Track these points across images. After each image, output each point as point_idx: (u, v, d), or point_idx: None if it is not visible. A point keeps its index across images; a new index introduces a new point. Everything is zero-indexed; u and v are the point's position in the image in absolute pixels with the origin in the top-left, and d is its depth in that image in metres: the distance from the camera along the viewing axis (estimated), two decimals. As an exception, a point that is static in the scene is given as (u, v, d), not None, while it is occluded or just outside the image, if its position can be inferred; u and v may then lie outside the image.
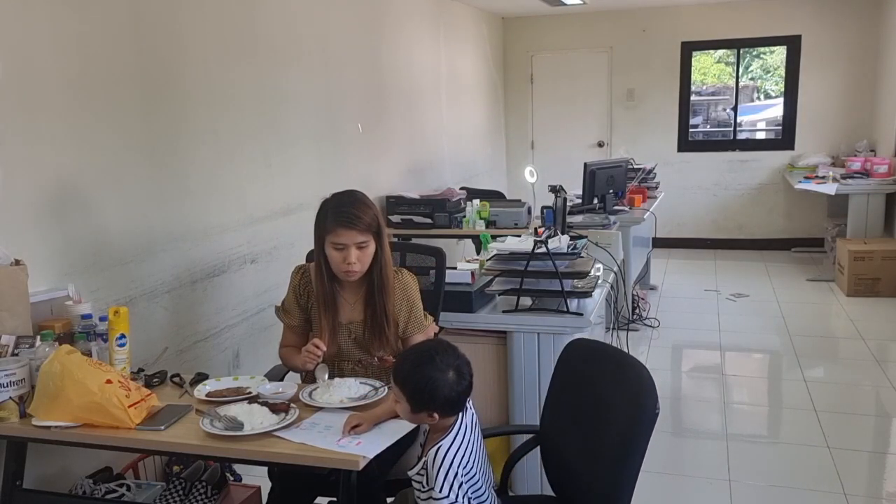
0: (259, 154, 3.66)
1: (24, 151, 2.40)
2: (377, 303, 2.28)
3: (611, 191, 5.10)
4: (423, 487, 1.76)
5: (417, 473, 1.79)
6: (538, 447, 2.15)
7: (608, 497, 1.77)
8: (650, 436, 1.75)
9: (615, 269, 3.54)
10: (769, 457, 3.40)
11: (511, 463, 2.17)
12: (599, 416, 1.89)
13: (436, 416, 1.75)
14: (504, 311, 2.95)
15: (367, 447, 1.77)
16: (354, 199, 2.25)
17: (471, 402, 1.86)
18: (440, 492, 1.72)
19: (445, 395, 1.73)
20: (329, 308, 2.30)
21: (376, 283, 2.27)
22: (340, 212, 2.19)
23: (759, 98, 8.47)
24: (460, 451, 1.76)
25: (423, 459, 1.76)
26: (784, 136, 7.67)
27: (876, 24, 7.10)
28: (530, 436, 2.19)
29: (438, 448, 1.74)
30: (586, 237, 3.28)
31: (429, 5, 6.06)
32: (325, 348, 2.21)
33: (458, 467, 1.75)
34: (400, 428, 1.86)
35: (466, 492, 1.77)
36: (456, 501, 1.73)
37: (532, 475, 2.85)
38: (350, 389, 2.09)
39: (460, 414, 1.80)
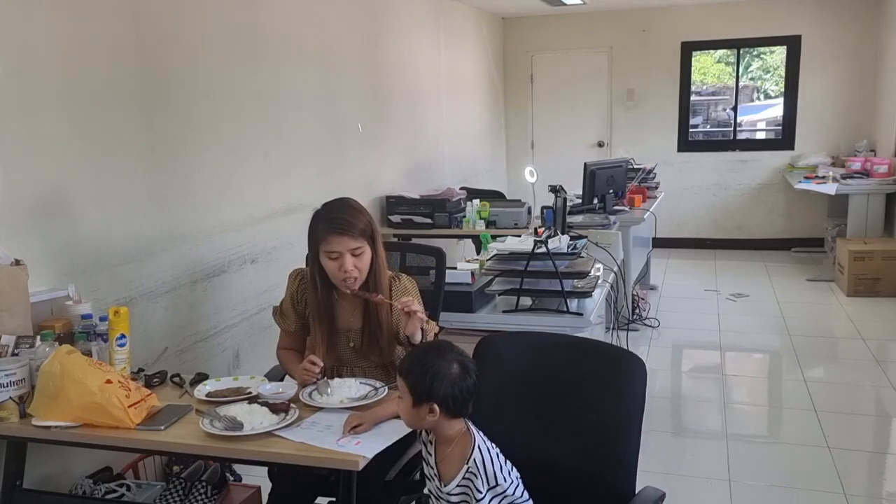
0: (259, 154, 3.66)
1: (24, 151, 2.40)
2: (374, 310, 2.25)
3: (611, 191, 5.10)
4: (480, 492, 1.70)
5: (458, 486, 1.72)
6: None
7: (618, 470, 1.76)
8: (646, 389, 1.74)
9: (615, 269, 3.54)
10: (769, 457, 3.39)
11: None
12: (578, 400, 1.85)
13: (436, 409, 1.69)
14: (504, 311, 2.95)
15: (366, 447, 1.77)
16: (346, 205, 2.22)
17: None
18: (505, 481, 1.71)
19: (448, 389, 1.69)
20: (325, 319, 2.27)
21: (371, 289, 2.23)
22: (332, 219, 2.16)
23: (759, 98, 8.46)
24: (491, 444, 1.76)
25: (465, 467, 1.71)
26: (784, 136, 7.67)
27: (876, 24, 7.10)
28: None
29: (478, 448, 1.72)
30: (586, 237, 3.29)
31: (429, 5, 6.06)
32: (321, 364, 2.18)
33: (502, 456, 1.75)
34: (400, 428, 1.85)
35: (517, 476, 1.77)
36: (515, 488, 1.73)
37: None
38: (350, 389, 2.09)
39: (467, 419, 1.78)
